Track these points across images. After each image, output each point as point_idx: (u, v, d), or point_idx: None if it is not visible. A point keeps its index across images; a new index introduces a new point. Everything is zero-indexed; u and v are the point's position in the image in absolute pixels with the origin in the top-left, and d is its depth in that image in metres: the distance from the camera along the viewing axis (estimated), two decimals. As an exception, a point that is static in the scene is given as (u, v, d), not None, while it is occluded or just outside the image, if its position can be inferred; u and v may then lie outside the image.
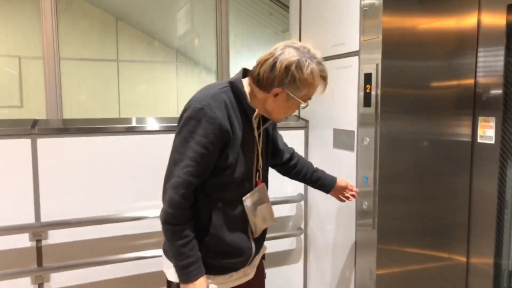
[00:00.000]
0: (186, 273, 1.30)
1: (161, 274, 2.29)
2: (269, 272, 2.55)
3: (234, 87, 1.37)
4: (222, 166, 1.33)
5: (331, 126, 2.33)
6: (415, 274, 2.11)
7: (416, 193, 2.08)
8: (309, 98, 1.39)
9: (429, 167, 2.09)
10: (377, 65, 1.91)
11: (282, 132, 2.55)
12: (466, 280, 2.26)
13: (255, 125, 1.43)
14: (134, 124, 2.26)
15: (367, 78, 1.98)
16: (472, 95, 2.13)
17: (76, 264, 2.06)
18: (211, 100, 1.30)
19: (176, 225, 1.28)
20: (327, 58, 2.32)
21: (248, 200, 1.42)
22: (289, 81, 1.31)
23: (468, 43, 2.10)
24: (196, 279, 1.31)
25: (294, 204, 2.59)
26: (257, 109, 1.39)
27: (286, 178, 2.60)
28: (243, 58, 3.47)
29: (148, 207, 2.20)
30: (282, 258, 2.61)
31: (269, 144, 1.60)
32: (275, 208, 2.46)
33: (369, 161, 2.01)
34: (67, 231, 2.07)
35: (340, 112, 2.25)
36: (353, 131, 2.13)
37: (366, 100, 2.00)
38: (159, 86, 6.79)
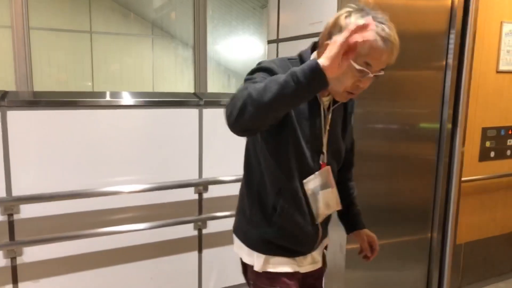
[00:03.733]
0: (301, 73, 0.97)
1: (135, 248, 2.34)
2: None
3: (303, 58, 1.26)
4: (282, 134, 1.20)
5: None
6: (383, 249, 2.20)
7: (385, 172, 2.15)
8: (368, 64, 1.12)
9: (402, 151, 2.16)
10: (353, 44, 1.93)
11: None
12: (429, 254, 2.39)
13: (321, 101, 1.26)
14: (108, 98, 2.22)
15: (343, 57, 1.99)
16: (442, 77, 2.20)
17: (49, 238, 2.05)
18: (278, 61, 1.21)
19: (247, 95, 1.01)
20: (304, 36, 2.33)
21: (309, 183, 1.29)
22: (336, 33, 1.11)
23: (441, 26, 2.14)
24: (314, 61, 0.98)
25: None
26: None
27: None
28: (221, 33, 3.42)
29: (122, 182, 2.20)
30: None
31: (347, 130, 1.40)
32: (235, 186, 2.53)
33: (343, 140, 2.04)
34: (40, 205, 2.04)
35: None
36: (328, 110, 2.15)
37: (342, 80, 2.01)
38: (134, 59, 6.63)
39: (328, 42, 1.11)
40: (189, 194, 2.38)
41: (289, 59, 1.26)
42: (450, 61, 2.18)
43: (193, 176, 2.39)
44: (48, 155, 2.04)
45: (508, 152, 2.86)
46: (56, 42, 5.76)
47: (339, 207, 1.39)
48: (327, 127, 1.30)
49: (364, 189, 2.04)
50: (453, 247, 2.40)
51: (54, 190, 2.04)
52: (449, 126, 2.27)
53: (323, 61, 0.96)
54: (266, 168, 1.26)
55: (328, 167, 1.32)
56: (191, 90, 2.65)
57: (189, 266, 2.47)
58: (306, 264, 1.37)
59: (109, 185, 2.16)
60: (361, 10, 1.14)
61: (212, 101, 2.42)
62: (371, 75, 1.14)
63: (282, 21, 2.59)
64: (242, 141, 2.48)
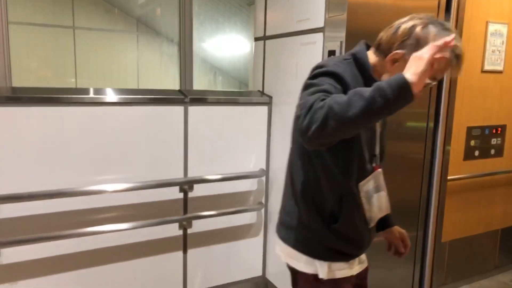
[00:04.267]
0: (389, 88, 0.96)
1: (119, 248, 2.29)
2: (230, 245, 2.59)
3: (358, 59, 1.23)
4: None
5: (294, 103, 2.32)
6: (370, 247, 2.19)
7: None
8: (434, 77, 1.12)
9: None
10: (341, 42, 1.92)
11: (244, 108, 2.58)
12: (423, 252, 2.40)
13: None
14: (91, 95, 2.16)
15: (331, 55, 1.98)
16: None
17: (29, 239, 1.98)
18: (339, 63, 1.19)
19: (329, 107, 0.98)
20: (291, 34, 2.31)
21: (364, 186, 1.26)
22: (411, 44, 1.13)
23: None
24: (402, 77, 0.97)
25: (256, 179, 2.61)
26: None
27: (248, 153, 2.62)
28: (207, 29, 3.38)
29: (105, 181, 2.14)
30: (243, 232, 2.64)
31: (385, 131, 1.38)
32: (236, 183, 2.54)
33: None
34: (19, 205, 1.97)
35: (303, 89, 2.25)
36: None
37: (329, 78, 2.00)
38: (118, 56, 6.52)
39: (401, 52, 1.14)
40: (174, 193, 2.34)
41: (344, 59, 1.24)
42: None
43: (178, 174, 2.34)
44: (28, 153, 1.97)
45: (492, 151, 2.89)
46: (37, 38, 5.62)
47: (389, 211, 1.38)
48: (379, 129, 1.31)
49: None
50: (433, 245, 2.42)
51: (35, 189, 1.97)
52: (431, 125, 2.29)
53: (411, 77, 0.96)
54: (325, 174, 1.22)
55: (381, 170, 1.31)
56: (177, 87, 2.60)
57: (174, 266, 2.42)
58: (356, 265, 1.35)
59: (92, 184, 2.10)
60: (436, 22, 1.15)
61: (198, 99, 2.38)
62: (431, 85, 1.16)
63: (269, 18, 2.56)
64: (227, 140, 2.47)
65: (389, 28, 1.21)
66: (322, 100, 1.00)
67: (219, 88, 3.37)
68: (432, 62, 0.98)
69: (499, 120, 2.86)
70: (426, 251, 2.40)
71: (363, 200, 1.27)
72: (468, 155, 2.79)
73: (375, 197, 1.29)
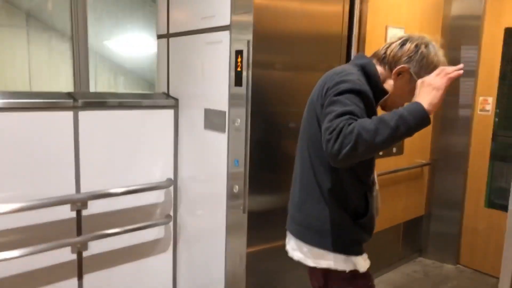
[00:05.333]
0: (411, 118, 1.11)
1: (2, 281, 1.89)
2: (135, 265, 2.34)
3: (368, 70, 1.35)
4: None
5: (202, 106, 2.17)
6: (283, 250, 2.13)
7: (287, 175, 2.08)
8: None
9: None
10: (248, 42, 1.81)
11: (148, 112, 2.35)
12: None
13: (377, 109, 1.38)
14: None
15: (238, 55, 1.86)
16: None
17: None
18: (362, 79, 1.31)
19: (358, 134, 1.10)
20: (196, 32, 2.14)
21: (376, 184, 1.46)
22: (416, 60, 1.31)
23: (336, 30, 2.14)
24: (421, 107, 1.13)
25: (163, 190, 2.39)
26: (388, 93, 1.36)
27: (153, 162, 2.39)
28: (105, 25, 3.06)
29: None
30: (150, 248, 2.40)
31: None
32: (140, 196, 2.30)
33: (239, 143, 1.92)
34: None
35: (211, 91, 2.11)
36: (225, 112, 2.01)
37: (237, 79, 1.89)
38: (6, 54, 5.74)
39: (407, 66, 1.32)
40: (65, 212, 2.03)
41: (357, 71, 1.34)
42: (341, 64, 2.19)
43: (68, 191, 2.03)
44: None
45: (394, 150, 3.03)
46: None
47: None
48: None
49: (264, 188, 1.99)
50: None
51: None
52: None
53: (429, 108, 1.13)
54: (349, 176, 1.34)
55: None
56: (70, 89, 2.28)
57: (68, 295, 2.11)
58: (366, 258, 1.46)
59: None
60: (431, 42, 1.35)
61: (94, 102, 2.09)
62: None
63: (172, 14, 2.36)
64: (129, 148, 2.22)
65: (393, 43, 1.36)
66: (350, 124, 1.11)
67: (121, 89, 3.08)
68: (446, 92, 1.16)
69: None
70: None
71: (374, 194, 1.45)
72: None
73: (377, 191, 1.48)
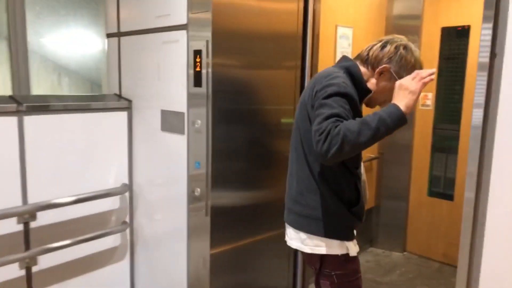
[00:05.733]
0: (390, 119, 1.27)
1: None
2: (89, 276, 2.22)
3: (352, 72, 1.48)
4: None
5: (159, 107, 2.10)
6: (247, 249, 2.13)
7: (250, 175, 2.08)
8: None
9: (263, 148, 2.10)
10: (207, 41, 1.77)
11: (99, 115, 2.23)
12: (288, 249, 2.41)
13: (361, 107, 1.51)
14: None
15: (197, 55, 1.82)
16: (299, 76, 2.21)
17: None
18: (348, 82, 1.43)
19: (343, 135, 1.23)
20: (150, 31, 2.07)
21: (362, 172, 1.60)
22: (396, 60, 1.46)
23: (292, 28, 2.15)
24: (397, 109, 1.29)
25: (118, 196, 2.28)
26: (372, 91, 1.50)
27: (106, 167, 2.28)
28: (47, 22, 2.85)
29: None
30: (105, 258, 2.29)
31: None
32: (94, 204, 2.18)
33: (201, 145, 1.88)
34: None
35: (168, 92, 2.04)
36: (183, 113, 1.96)
37: (197, 79, 1.85)
38: None
39: (388, 65, 1.46)
40: (11, 225, 1.87)
41: (342, 72, 1.46)
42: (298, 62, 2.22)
43: (14, 202, 1.87)
44: None
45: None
46: None
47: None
48: None
49: (226, 189, 1.96)
50: None
51: None
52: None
53: (406, 109, 1.28)
54: (342, 170, 1.48)
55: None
56: (9, 93, 2.11)
57: (18, 315, 1.95)
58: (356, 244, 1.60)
59: None
60: (409, 44, 1.49)
61: (40, 106, 1.95)
62: None
63: (123, 12, 2.26)
64: (79, 154, 2.09)
65: (374, 45, 1.50)
66: (337, 126, 1.24)
67: (65, 91, 2.88)
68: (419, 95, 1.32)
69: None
70: None
71: (362, 183, 1.60)
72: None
73: (364, 181, 1.63)
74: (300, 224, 1.55)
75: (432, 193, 3.37)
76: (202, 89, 1.83)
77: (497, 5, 1.20)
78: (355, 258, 1.56)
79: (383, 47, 1.48)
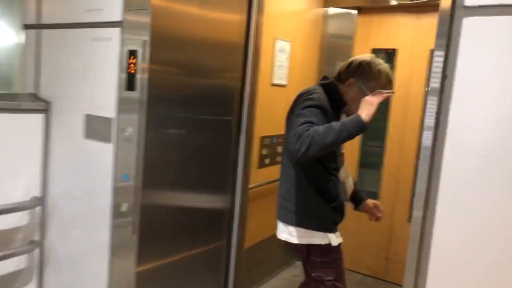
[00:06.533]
0: (351, 125, 1.51)
1: None
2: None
3: (329, 88, 1.77)
4: None
5: (83, 111, 1.87)
6: (181, 263, 2.01)
7: (185, 187, 1.95)
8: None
9: (201, 160, 1.99)
10: (144, 41, 1.62)
11: (9, 116, 1.91)
12: (226, 260, 2.32)
13: (341, 117, 1.80)
14: None
15: (132, 56, 1.65)
16: (239, 87, 2.14)
17: None
18: (323, 97, 1.70)
19: (312, 137, 1.49)
20: (78, 25, 1.85)
21: (342, 174, 1.82)
22: (359, 73, 1.74)
23: (235, 37, 2.08)
24: (358, 117, 1.52)
25: (26, 212, 1.98)
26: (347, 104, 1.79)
27: (13, 178, 1.98)
28: None
29: None
30: (6, 283, 1.96)
31: None
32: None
33: (130, 155, 1.71)
34: None
35: (95, 95, 1.83)
36: (112, 119, 1.77)
37: (130, 83, 1.68)
38: None
39: (353, 80, 1.76)
40: None
41: (319, 89, 1.76)
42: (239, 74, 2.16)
43: None
44: None
45: (278, 158, 3.12)
46: None
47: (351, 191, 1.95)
48: None
49: (159, 202, 1.82)
50: (237, 253, 2.42)
51: None
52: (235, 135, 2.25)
53: (365, 118, 1.51)
54: (322, 172, 1.76)
55: (347, 162, 1.92)
56: None
57: None
58: (338, 236, 1.85)
59: None
60: (375, 60, 1.78)
61: None
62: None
63: (45, 3, 2.00)
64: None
65: (343, 65, 1.81)
66: (308, 130, 1.51)
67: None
68: (378, 106, 1.56)
69: (283, 130, 3.09)
70: (230, 259, 2.37)
71: (341, 182, 1.83)
72: (261, 163, 2.92)
73: (347, 180, 1.87)
74: (288, 218, 1.78)
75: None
76: (135, 94, 1.67)
77: (449, 35, 1.26)
78: (337, 248, 1.80)
79: (349, 64, 1.78)
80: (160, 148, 1.77)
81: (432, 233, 1.31)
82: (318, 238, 1.76)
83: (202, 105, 1.96)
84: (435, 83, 1.27)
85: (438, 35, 1.28)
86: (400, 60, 3.22)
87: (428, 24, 3.10)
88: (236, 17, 2.05)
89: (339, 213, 1.80)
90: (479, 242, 1.28)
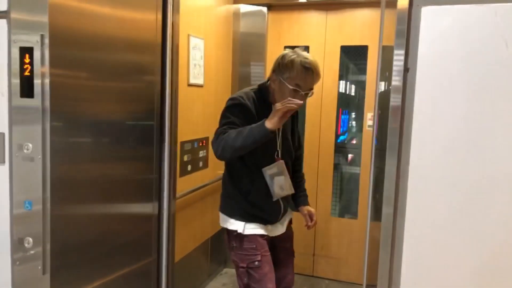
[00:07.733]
0: (256, 131, 1.67)
1: None
2: None
3: (260, 86, 1.92)
4: None
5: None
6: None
7: (104, 204, 1.69)
8: (298, 85, 1.79)
9: (119, 172, 1.75)
10: (42, 36, 1.32)
11: None
12: (157, 276, 2.09)
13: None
14: None
15: (26, 54, 1.34)
16: (159, 90, 1.91)
17: None
18: (245, 95, 1.85)
19: (225, 140, 1.70)
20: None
21: (267, 171, 1.89)
22: (275, 67, 1.84)
23: (150, 36, 1.85)
24: (263, 124, 1.66)
25: None
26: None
27: None
28: None
29: None
30: None
31: (295, 134, 2.10)
32: None
33: (33, 178, 1.40)
34: None
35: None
36: (3, 134, 1.42)
37: (26, 87, 1.36)
38: None
39: (274, 77, 1.85)
40: None
41: (251, 88, 1.92)
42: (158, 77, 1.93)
43: None
44: None
45: (200, 164, 2.93)
46: None
47: (292, 191, 2.01)
48: (280, 133, 1.93)
49: (76, 224, 1.54)
50: (165, 269, 2.21)
51: None
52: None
53: (270, 126, 1.65)
54: (242, 166, 1.90)
55: (282, 161, 1.94)
56: None
57: None
58: (274, 230, 1.99)
59: None
60: (301, 55, 1.81)
61: None
62: (302, 93, 1.80)
63: None
64: None
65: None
66: (224, 133, 1.72)
67: None
68: (283, 116, 1.65)
69: (203, 133, 2.92)
70: (161, 275, 2.13)
71: (267, 180, 1.89)
72: (183, 170, 2.70)
73: (276, 179, 1.90)
74: (220, 206, 2.03)
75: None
76: (34, 101, 1.36)
77: (408, 33, 1.23)
78: (252, 239, 1.89)
79: (276, 61, 1.86)
80: (72, 162, 1.48)
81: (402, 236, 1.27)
82: (230, 224, 1.95)
83: (119, 110, 1.70)
84: (397, 81, 1.23)
85: (399, 22, 1.25)
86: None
87: (339, 20, 3.18)
88: (150, 16, 1.84)
89: (257, 207, 1.91)
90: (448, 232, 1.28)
